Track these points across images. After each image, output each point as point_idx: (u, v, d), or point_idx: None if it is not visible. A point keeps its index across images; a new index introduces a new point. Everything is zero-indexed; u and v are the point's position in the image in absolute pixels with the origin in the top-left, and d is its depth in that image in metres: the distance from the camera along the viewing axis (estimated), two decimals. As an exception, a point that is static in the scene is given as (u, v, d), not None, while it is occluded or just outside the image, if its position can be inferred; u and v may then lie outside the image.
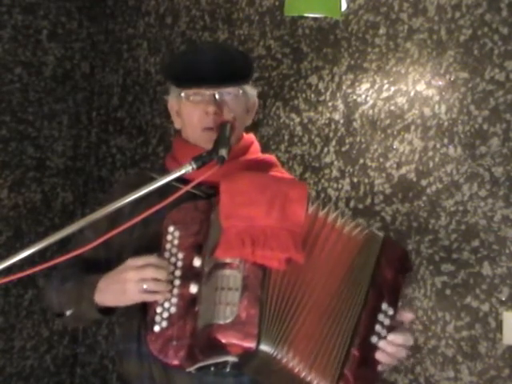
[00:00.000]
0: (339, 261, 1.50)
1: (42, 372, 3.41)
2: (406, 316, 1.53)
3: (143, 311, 1.51)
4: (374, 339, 1.45)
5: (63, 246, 1.64)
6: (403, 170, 2.50)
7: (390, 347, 1.45)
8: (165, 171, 1.59)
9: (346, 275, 1.48)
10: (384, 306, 1.47)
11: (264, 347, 1.38)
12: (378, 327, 1.45)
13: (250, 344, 1.37)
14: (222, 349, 1.38)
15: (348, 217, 1.56)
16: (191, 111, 1.68)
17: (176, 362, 1.44)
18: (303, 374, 1.39)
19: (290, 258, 1.44)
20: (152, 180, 1.51)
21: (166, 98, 1.79)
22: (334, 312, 1.45)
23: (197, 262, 1.49)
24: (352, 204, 2.62)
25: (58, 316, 1.70)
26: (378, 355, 1.45)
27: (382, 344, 1.45)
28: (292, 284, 1.44)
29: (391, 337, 1.45)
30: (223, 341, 1.37)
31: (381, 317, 1.47)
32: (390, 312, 1.47)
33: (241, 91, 1.70)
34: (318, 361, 1.40)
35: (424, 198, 2.44)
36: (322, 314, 1.44)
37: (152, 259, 1.49)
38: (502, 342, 2.25)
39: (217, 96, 1.66)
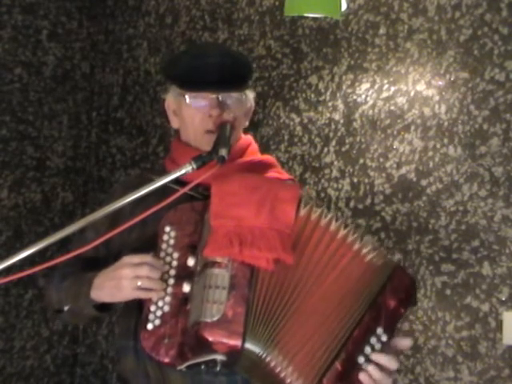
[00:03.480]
0: (331, 264, 1.50)
1: (42, 372, 3.41)
2: (403, 342, 1.51)
3: (140, 309, 1.52)
4: (360, 359, 1.44)
5: (63, 245, 1.65)
6: (403, 170, 2.50)
7: (376, 373, 1.43)
8: (165, 173, 1.59)
9: (346, 287, 1.48)
10: (379, 330, 1.46)
11: (249, 345, 1.39)
12: (367, 349, 1.44)
13: (236, 342, 1.38)
14: (209, 347, 1.40)
15: (342, 220, 1.56)
16: (194, 113, 1.68)
17: (167, 360, 1.46)
18: (284, 374, 1.40)
19: (279, 258, 1.45)
20: (152, 182, 1.52)
21: (163, 97, 1.79)
22: (328, 321, 1.45)
23: (191, 262, 1.51)
24: (352, 204, 2.62)
25: (57, 312, 1.72)
26: (362, 376, 1.43)
27: (368, 367, 1.43)
28: (280, 284, 1.45)
29: (374, 356, 1.44)
30: (209, 339, 1.39)
31: (373, 340, 1.45)
32: (384, 338, 1.46)
33: (244, 96, 1.71)
34: (300, 363, 1.41)
35: (424, 198, 2.44)
36: (309, 316, 1.44)
37: (147, 258, 1.50)
38: (501, 342, 2.25)
39: (220, 98, 1.66)
